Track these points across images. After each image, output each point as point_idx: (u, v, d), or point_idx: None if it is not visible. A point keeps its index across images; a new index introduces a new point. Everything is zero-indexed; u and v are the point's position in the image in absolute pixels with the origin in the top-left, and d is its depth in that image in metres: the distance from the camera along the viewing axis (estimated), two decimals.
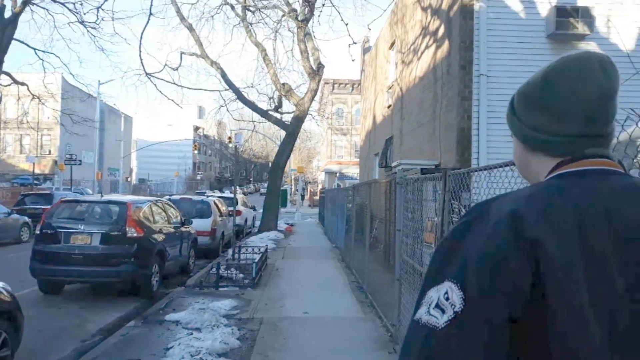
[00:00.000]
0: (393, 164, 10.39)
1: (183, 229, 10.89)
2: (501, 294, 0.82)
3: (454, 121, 9.19)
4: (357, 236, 11.15)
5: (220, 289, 9.11)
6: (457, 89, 9.17)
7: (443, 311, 0.83)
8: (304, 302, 7.93)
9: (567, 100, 0.95)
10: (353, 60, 19.55)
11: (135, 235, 8.21)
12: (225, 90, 22.31)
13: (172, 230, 10.07)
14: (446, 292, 0.84)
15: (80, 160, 30.11)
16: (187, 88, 41.51)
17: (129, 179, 52.75)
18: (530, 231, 0.84)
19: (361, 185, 10.48)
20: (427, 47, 11.56)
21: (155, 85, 28.64)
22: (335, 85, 49.46)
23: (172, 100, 22.12)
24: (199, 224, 13.47)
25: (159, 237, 9.10)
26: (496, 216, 0.87)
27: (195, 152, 53.92)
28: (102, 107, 54.14)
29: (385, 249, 10.93)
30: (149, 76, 21.88)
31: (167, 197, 14.83)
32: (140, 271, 8.22)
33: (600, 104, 0.94)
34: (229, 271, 9.83)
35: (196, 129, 72.91)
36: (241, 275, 9.67)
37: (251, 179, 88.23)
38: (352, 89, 49.14)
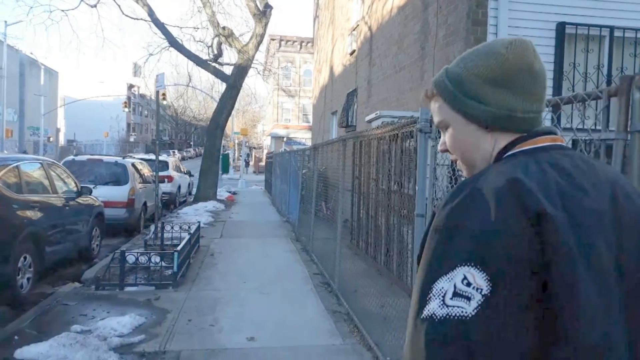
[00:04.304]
0: (368, 118, 7.76)
1: (81, 200, 7.88)
2: (523, 268, 0.80)
3: (459, 55, 6.61)
4: (319, 212, 8.55)
5: (127, 288, 6.31)
6: (464, 10, 6.57)
7: (468, 298, 0.78)
8: (248, 315, 5.28)
9: (529, 79, 0.99)
10: None
11: None
12: (155, 34, 18.81)
13: (60, 202, 7.06)
14: (464, 278, 0.80)
15: None
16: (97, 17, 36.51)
17: (51, 139, 47.48)
18: (534, 203, 0.83)
19: (329, 144, 7.79)
20: None
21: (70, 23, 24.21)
22: (283, 43, 45.93)
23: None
24: (112, 193, 10.45)
25: (33, 214, 6.10)
26: (493, 191, 0.85)
27: (128, 111, 49.25)
28: (23, 59, 48.25)
29: (353, 226, 8.40)
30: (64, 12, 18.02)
31: (72, 157, 11.56)
32: None
33: (545, 81, 1.02)
34: (144, 258, 7.00)
35: (130, 87, 67.14)
36: (163, 264, 6.89)
37: (191, 143, 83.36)
38: (301, 47, 45.91)
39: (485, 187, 0.86)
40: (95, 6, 18.68)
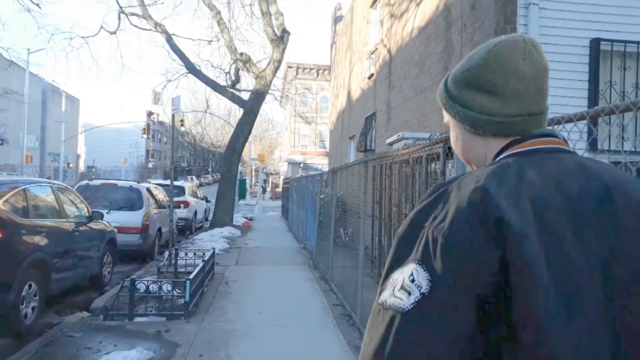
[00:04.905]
0: (389, 140, 7.43)
1: (92, 225, 7.63)
2: (467, 274, 0.80)
3: None
4: (338, 238, 8.16)
5: (137, 318, 5.97)
6: (491, 27, 6.27)
7: (409, 293, 0.81)
8: (263, 350, 4.88)
9: (512, 81, 0.96)
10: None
11: None
12: (174, 61, 18.88)
13: (70, 227, 6.80)
14: (411, 274, 0.82)
15: (1, 140, 25.80)
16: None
17: (71, 165, 47.95)
18: (494, 210, 0.81)
19: (349, 167, 7.45)
20: None
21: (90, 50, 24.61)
22: (300, 70, 46.21)
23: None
24: (126, 218, 10.21)
25: (39, 240, 5.83)
26: (458, 196, 0.85)
27: (147, 137, 49.74)
28: (45, 86, 49.26)
29: (374, 254, 7.98)
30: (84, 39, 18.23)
31: (86, 182, 11.38)
32: None
33: (540, 82, 0.97)
34: (155, 286, 6.67)
35: (150, 114, 68.01)
36: (177, 292, 6.56)
37: (209, 169, 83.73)
38: (317, 75, 46.11)
39: (454, 191, 0.87)
40: (114, 33, 18.89)
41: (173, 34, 17.73)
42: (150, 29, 17.85)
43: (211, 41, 19.25)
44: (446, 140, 4.21)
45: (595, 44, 6.23)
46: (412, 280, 0.81)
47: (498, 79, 0.96)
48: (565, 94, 5.89)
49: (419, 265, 0.82)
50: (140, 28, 18.00)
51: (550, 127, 1.02)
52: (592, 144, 5.31)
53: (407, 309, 0.80)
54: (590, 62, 6.22)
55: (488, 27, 6.34)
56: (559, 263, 0.80)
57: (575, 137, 2.29)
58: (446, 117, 1.08)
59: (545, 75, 0.98)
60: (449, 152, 4.10)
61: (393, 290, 0.83)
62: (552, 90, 1.04)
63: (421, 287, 0.80)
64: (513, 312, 0.79)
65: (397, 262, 0.86)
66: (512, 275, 0.79)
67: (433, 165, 5.25)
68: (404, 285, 0.82)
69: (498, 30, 6.05)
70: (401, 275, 0.84)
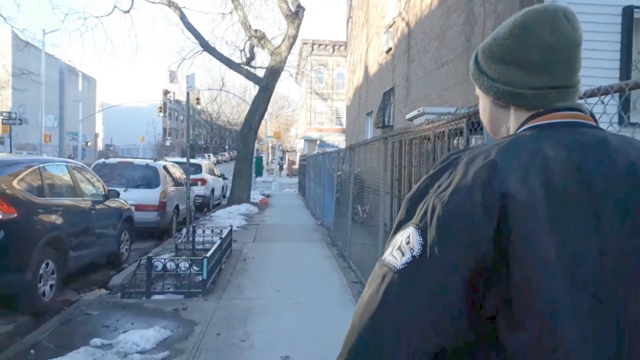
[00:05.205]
0: (409, 116, 7.21)
1: (108, 203, 7.60)
2: (461, 245, 0.80)
3: None
4: (356, 216, 8.04)
5: (154, 296, 5.95)
6: None
7: (403, 254, 0.84)
8: (282, 329, 4.81)
9: (536, 53, 0.93)
10: None
11: None
12: (188, 39, 18.65)
13: (86, 206, 6.77)
14: (408, 237, 0.85)
15: (20, 120, 26.02)
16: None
17: (89, 144, 48.38)
18: (500, 184, 0.81)
19: (367, 143, 7.27)
20: None
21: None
22: (315, 46, 45.59)
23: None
24: (143, 196, 10.20)
25: (55, 218, 5.80)
26: (465, 167, 0.85)
27: (164, 116, 49.85)
28: (62, 67, 49.52)
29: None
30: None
31: (102, 160, 11.37)
32: (9, 276, 4.97)
33: (568, 55, 0.93)
34: (172, 264, 6.63)
35: (166, 92, 68.15)
36: (193, 270, 6.52)
37: (226, 147, 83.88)
38: (333, 51, 45.47)
39: (463, 162, 0.86)
40: (128, 12, 18.74)
41: (184, 7, 17.46)
42: (163, 2, 17.56)
43: (225, 14, 18.97)
44: (470, 115, 4.01)
45: (628, 12, 5.91)
46: (408, 242, 0.84)
47: (521, 49, 0.93)
48: (594, 64, 5.61)
49: (416, 229, 0.84)
50: (152, 2, 17.68)
51: (577, 102, 0.97)
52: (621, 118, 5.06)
53: (398, 268, 0.83)
54: (622, 32, 5.91)
55: None
56: (569, 245, 0.78)
57: (612, 111, 2.11)
58: (477, 89, 1.06)
59: (575, 48, 0.93)
60: (473, 127, 3.93)
61: (392, 250, 0.86)
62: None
63: (413, 250, 0.83)
64: (512, 293, 0.78)
65: (401, 224, 0.89)
66: (513, 256, 0.77)
67: (455, 141, 5.08)
68: (400, 246, 0.85)
69: (524, 2, 5.76)
70: (400, 237, 0.86)
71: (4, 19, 17.70)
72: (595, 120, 0.96)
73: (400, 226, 0.89)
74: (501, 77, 0.97)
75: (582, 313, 0.77)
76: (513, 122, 0.98)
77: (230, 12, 18.61)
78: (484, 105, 1.05)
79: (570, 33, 0.92)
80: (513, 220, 0.78)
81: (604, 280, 0.79)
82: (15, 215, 5.05)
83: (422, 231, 0.83)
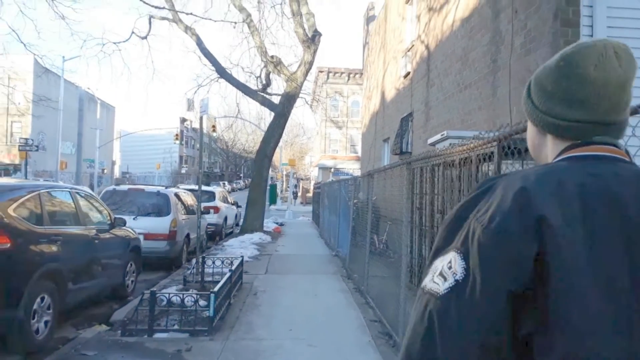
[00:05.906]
0: (431, 140, 6.80)
1: (114, 232, 7.22)
2: (502, 267, 0.80)
3: (542, 63, 5.59)
4: (373, 246, 7.54)
5: (157, 334, 5.48)
6: (550, 10, 5.57)
7: (445, 279, 0.84)
8: None
9: (578, 88, 0.93)
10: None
11: None
12: (205, 65, 18.54)
13: (89, 235, 6.38)
14: (450, 262, 0.85)
15: (37, 146, 26.09)
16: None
17: (105, 171, 48.63)
18: (537, 208, 0.82)
19: (387, 169, 6.81)
20: None
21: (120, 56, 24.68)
22: (330, 74, 45.67)
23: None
24: (153, 224, 9.83)
25: (54, 249, 5.40)
26: (503, 192, 0.86)
27: (180, 144, 50.13)
28: (82, 94, 50.23)
29: (413, 264, 7.31)
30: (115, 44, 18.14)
31: (113, 187, 11.06)
32: (2, 313, 4.56)
33: (613, 93, 0.92)
34: (177, 298, 6.18)
35: (183, 120, 68.75)
36: (201, 304, 6.07)
37: (241, 175, 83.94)
38: (349, 79, 45.51)
39: (500, 186, 0.88)
40: (145, 37, 18.76)
41: (195, 30, 17.42)
42: (180, 27, 17.52)
43: (241, 41, 18.87)
44: (500, 138, 3.59)
45: None
46: (450, 267, 0.84)
47: (563, 82, 0.94)
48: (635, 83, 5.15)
49: (458, 253, 0.85)
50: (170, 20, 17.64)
51: (615, 138, 0.96)
52: None
53: (441, 294, 0.83)
54: None
55: (545, 10, 5.64)
56: (604, 269, 0.79)
57: None
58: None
59: (621, 86, 0.91)
60: (504, 151, 3.51)
61: (433, 276, 0.86)
62: None
63: (456, 274, 0.83)
64: (549, 312, 0.78)
65: (440, 250, 0.89)
66: (550, 277, 0.78)
67: (484, 167, 4.63)
68: (442, 272, 0.85)
69: (558, 14, 5.35)
70: (441, 263, 0.87)
71: (25, 45, 17.71)
72: (630, 157, 0.95)
73: (438, 253, 0.89)
74: (541, 105, 0.98)
75: (617, 332, 0.77)
76: (551, 149, 0.99)
77: (246, 38, 18.52)
78: (529, 129, 1.06)
79: (617, 70, 0.90)
80: (548, 242, 0.79)
81: (637, 299, 0.78)
82: (9, 245, 4.66)
83: (465, 255, 0.83)
